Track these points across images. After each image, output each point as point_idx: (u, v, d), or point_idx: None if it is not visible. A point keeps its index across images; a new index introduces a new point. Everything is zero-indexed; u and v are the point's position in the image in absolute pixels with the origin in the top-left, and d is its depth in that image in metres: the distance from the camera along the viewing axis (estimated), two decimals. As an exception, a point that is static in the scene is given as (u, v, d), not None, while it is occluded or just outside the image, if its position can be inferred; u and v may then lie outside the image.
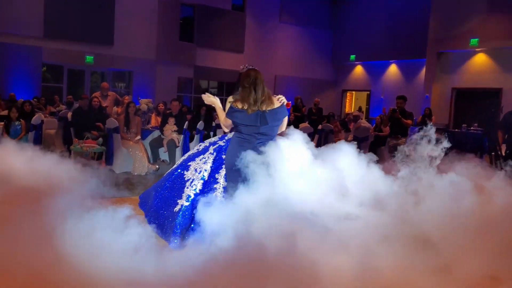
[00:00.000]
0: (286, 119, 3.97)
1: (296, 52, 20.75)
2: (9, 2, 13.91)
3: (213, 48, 18.32)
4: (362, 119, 12.44)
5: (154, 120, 10.09)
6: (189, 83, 18.69)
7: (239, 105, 3.83)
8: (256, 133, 3.79)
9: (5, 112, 9.16)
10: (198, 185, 3.83)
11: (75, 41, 15.24)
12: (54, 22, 14.72)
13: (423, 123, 11.86)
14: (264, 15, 19.88)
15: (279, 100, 3.87)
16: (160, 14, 16.97)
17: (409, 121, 9.35)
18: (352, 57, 20.97)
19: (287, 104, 3.89)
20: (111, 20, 15.94)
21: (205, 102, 4.06)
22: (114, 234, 3.13)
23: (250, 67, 3.96)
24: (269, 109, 3.81)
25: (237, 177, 3.67)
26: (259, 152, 3.65)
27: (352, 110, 20.96)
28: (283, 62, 20.36)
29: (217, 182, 3.82)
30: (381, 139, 11.66)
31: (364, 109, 21.42)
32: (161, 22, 17.03)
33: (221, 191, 3.78)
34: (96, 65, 16.30)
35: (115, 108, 10.58)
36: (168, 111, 9.52)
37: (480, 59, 16.29)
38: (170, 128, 8.85)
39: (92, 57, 15.89)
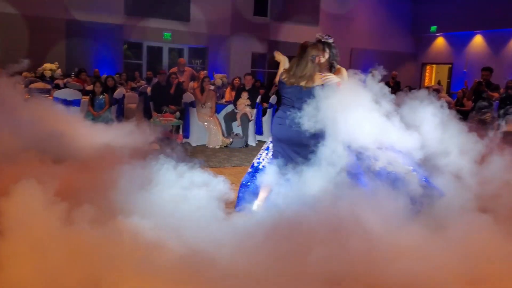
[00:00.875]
0: None
1: (373, 23, 19.99)
2: (93, -17, 14.60)
3: (287, 22, 18.12)
4: (442, 92, 11.85)
5: (229, 95, 10.25)
6: (263, 58, 18.71)
7: (283, 76, 3.84)
8: (292, 106, 3.73)
9: (90, 87, 9.72)
10: (263, 154, 4.14)
11: (153, 18, 15.73)
12: (134, 0, 15.25)
13: (505, 98, 11.09)
14: (340, -14, 19.31)
15: (323, 79, 3.66)
16: (234, -11, 17.03)
17: (496, 94, 8.79)
18: (433, 28, 19.86)
19: (338, 83, 3.63)
20: (188, -4, 16.25)
21: (275, 57, 4.10)
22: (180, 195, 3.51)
23: (326, 37, 3.88)
24: (307, 86, 3.68)
25: (276, 147, 3.85)
26: (291, 127, 3.68)
27: (432, 84, 20.00)
28: (360, 34, 19.72)
29: (269, 149, 4.11)
30: (462, 114, 11.08)
31: (445, 83, 20.35)
32: (235, -3, 17.09)
33: (270, 157, 4.03)
34: (174, 42, 16.75)
35: (191, 83, 10.86)
36: (241, 86, 9.63)
37: None
38: (244, 102, 8.96)
39: (169, 33, 16.34)
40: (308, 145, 3.62)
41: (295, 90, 3.72)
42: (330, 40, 3.88)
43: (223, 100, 10.14)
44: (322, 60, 3.76)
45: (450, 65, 19.99)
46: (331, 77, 3.65)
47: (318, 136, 3.59)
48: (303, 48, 3.74)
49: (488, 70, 8.87)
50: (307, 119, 3.57)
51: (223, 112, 9.34)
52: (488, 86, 8.68)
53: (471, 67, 18.61)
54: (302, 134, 3.63)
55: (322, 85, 3.65)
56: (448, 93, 18.19)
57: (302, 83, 3.70)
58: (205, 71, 12.96)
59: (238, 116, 8.98)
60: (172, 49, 17.75)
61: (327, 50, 3.84)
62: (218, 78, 11.05)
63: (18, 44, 13.29)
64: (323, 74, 3.69)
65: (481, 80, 8.80)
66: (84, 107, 7.97)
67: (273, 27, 17.87)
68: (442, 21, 19.37)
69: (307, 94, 3.67)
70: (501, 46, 17.71)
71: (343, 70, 3.82)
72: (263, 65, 18.88)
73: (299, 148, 3.69)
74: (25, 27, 13.85)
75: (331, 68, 3.85)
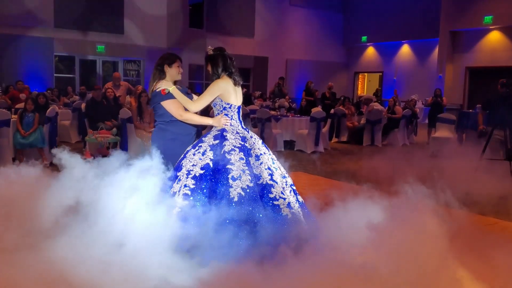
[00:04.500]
0: (167, 106, 3.84)
1: (307, 35, 20.57)
2: (20, -6, 13.99)
3: (223, 34, 18.24)
4: (374, 101, 12.36)
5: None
6: (200, 70, 18.69)
7: None
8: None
9: (21, 105, 9.28)
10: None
11: (86, 31, 15.32)
12: (65, 13, 14.78)
13: (434, 104, 11.74)
14: (274, -1, 19.72)
15: (156, 86, 3.91)
16: (169, 1, 16.92)
17: None
18: (364, 38, 20.75)
19: (162, 91, 3.81)
20: (121, 9, 15.95)
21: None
22: None
23: (211, 49, 4.01)
24: (151, 93, 3.97)
25: None
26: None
27: (365, 93, 20.81)
28: (294, 45, 20.21)
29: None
30: (394, 122, 11.61)
31: (376, 90, 21.28)
32: (170, 9, 16.98)
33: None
34: (108, 55, 16.38)
35: (128, 98, 10.64)
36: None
37: (494, 37, 16.01)
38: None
39: (103, 46, 15.96)
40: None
41: None
42: (211, 52, 3.98)
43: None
44: (170, 69, 3.96)
45: (381, 74, 20.91)
46: (159, 85, 3.86)
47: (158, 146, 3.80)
48: None
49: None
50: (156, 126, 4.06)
51: (162, 127, 9.19)
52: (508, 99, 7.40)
53: (400, 75, 19.59)
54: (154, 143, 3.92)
55: (152, 91, 3.91)
56: (380, 100, 18.99)
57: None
58: (141, 85, 12.75)
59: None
60: (106, 61, 17.34)
61: (209, 63, 3.93)
62: (156, 92, 10.90)
63: None
64: (158, 82, 3.91)
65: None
66: (14, 127, 7.55)
67: (209, 39, 17.91)
68: (371, 31, 20.27)
69: (150, 100, 4.01)
70: (426, 55, 18.79)
71: (215, 82, 3.81)
72: (201, 77, 18.86)
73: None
74: None
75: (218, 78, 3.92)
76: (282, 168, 3.83)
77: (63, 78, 16.21)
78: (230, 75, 3.82)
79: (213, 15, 18.06)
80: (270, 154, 3.80)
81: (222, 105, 3.76)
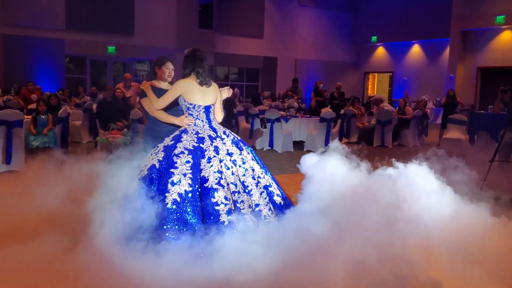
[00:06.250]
0: (143, 103, 4.09)
1: (316, 35, 20.52)
2: (31, -4, 14.13)
3: (232, 35, 18.28)
4: (384, 102, 12.30)
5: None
6: (209, 70, 18.72)
7: None
8: None
9: (33, 106, 9.35)
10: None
11: (96, 32, 15.42)
12: (76, 14, 14.90)
13: (447, 105, 11.66)
14: (283, -1, 19.71)
15: None
16: (179, 2, 16.99)
17: None
18: (374, 38, 20.65)
19: (138, 90, 4.11)
20: (131, 10, 16.04)
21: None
22: None
23: (187, 51, 4.03)
24: None
25: None
26: None
27: (375, 93, 20.71)
28: (303, 45, 20.18)
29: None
30: (404, 122, 11.56)
31: (386, 91, 21.16)
32: (180, 10, 17.05)
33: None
34: (118, 55, 16.48)
35: (138, 99, 10.68)
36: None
37: (507, 36, 15.87)
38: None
39: (114, 47, 16.06)
40: None
41: None
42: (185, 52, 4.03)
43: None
44: (158, 71, 4.21)
45: (391, 74, 20.80)
46: (141, 85, 4.11)
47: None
48: None
49: None
50: None
51: (172, 127, 9.23)
52: None
53: (410, 75, 19.49)
54: None
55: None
56: (390, 101, 18.93)
57: None
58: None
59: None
60: (116, 62, 17.44)
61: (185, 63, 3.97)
62: (166, 92, 10.95)
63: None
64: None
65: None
66: (26, 128, 7.61)
67: (218, 39, 17.95)
68: (381, 31, 20.17)
69: None
70: (436, 55, 18.66)
71: (177, 82, 3.91)
72: (210, 77, 18.90)
73: None
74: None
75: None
76: (258, 170, 3.84)
77: (74, 79, 16.33)
78: (197, 75, 3.91)
79: (223, 15, 18.09)
80: (241, 154, 3.79)
81: (186, 105, 3.86)
